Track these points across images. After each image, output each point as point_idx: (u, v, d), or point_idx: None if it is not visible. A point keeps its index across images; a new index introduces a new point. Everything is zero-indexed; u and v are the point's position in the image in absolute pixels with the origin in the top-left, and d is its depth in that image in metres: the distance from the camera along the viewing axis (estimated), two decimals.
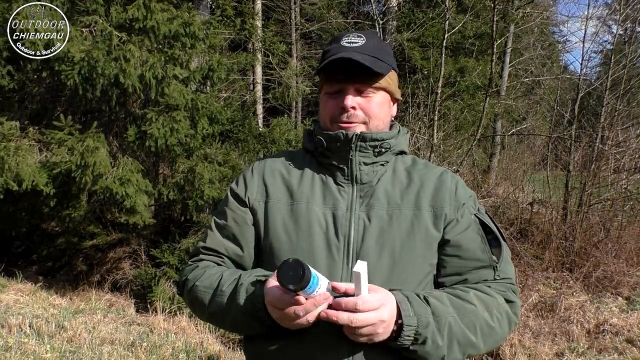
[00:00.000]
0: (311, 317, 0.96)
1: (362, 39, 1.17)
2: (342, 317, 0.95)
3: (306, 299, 0.94)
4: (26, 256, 8.00)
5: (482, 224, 1.19)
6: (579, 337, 5.31)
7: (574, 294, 6.26)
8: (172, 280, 6.29)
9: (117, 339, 4.39)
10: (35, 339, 4.13)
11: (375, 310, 0.95)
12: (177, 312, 5.75)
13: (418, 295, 1.05)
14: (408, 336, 1.00)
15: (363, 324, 0.94)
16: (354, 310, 0.94)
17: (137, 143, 5.63)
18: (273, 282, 0.98)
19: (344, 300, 0.95)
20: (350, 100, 1.15)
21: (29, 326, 4.38)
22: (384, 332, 0.98)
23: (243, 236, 1.20)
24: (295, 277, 0.90)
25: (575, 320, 5.56)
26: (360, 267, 0.94)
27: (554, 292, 6.32)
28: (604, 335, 5.30)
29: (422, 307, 1.02)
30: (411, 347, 1.01)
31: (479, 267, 1.15)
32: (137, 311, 6.11)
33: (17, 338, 4.08)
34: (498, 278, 1.16)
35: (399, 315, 0.99)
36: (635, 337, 5.22)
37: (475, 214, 1.19)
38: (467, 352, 1.08)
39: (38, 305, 5.39)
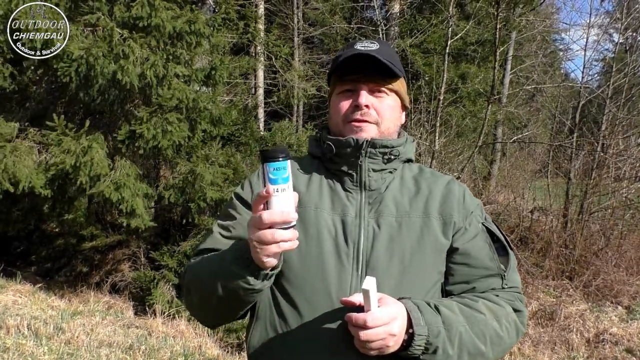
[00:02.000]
0: (278, 236, 0.90)
1: (375, 44, 1.18)
2: (352, 332, 0.97)
3: (268, 193, 0.90)
4: (25, 257, 7.98)
5: (490, 233, 1.19)
6: (579, 346, 5.30)
7: (574, 302, 6.25)
8: (171, 284, 6.27)
9: (115, 342, 4.37)
10: (33, 341, 4.10)
11: (385, 325, 0.95)
12: (176, 316, 5.73)
13: (429, 304, 1.04)
14: (419, 346, 0.99)
15: (373, 339, 0.95)
16: (364, 326, 0.94)
17: (126, 143, 5.47)
18: None
19: (354, 316, 0.96)
20: (365, 97, 1.15)
21: (27, 327, 4.35)
22: (394, 345, 0.98)
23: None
24: (274, 149, 0.93)
25: (575, 329, 5.54)
26: (369, 284, 0.94)
27: (554, 300, 6.30)
28: (603, 345, 5.29)
29: (433, 316, 1.02)
30: (422, 357, 1.01)
31: (487, 275, 1.15)
32: (135, 314, 6.09)
33: (15, 339, 4.05)
34: (506, 287, 1.16)
35: (410, 324, 0.99)
36: (635, 347, 5.20)
37: (482, 223, 1.19)
38: None
39: (36, 307, 5.36)
